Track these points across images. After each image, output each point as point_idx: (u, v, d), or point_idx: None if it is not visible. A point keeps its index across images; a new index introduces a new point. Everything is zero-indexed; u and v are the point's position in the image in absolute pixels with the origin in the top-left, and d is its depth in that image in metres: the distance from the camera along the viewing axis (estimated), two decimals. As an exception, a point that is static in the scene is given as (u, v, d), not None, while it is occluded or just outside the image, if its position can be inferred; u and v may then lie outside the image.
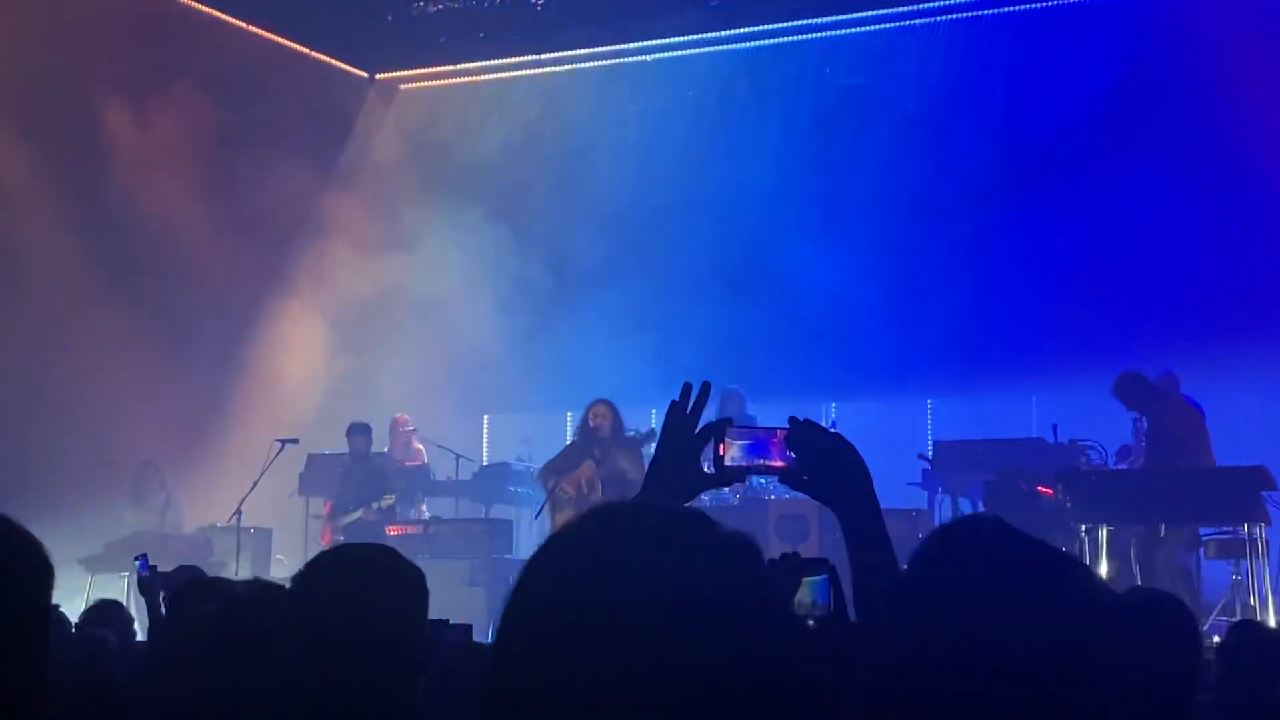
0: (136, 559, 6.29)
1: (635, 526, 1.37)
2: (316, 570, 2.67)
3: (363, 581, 2.62)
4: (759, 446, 2.58)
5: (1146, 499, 9.80)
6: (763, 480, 12.70)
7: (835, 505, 2.41)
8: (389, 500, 13.05)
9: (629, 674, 1.25)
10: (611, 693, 1.25)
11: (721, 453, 2.56)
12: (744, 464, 2.57)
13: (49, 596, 1.78)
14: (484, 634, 7.33)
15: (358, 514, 12.73)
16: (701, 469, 2.56)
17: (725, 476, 2.56)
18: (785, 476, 2.55)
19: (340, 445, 13.40)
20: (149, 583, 5.88)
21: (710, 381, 2.62)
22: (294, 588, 2.66)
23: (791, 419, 2.52)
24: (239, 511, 12.36)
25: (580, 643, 1.27)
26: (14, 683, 1.67)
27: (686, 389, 2.57)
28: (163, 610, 5.38)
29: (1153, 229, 13.82)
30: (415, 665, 2.60)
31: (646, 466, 9.18)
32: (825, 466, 2.45)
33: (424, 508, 14.24)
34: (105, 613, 6.46)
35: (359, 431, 13.15)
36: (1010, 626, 1.65)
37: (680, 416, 2.56)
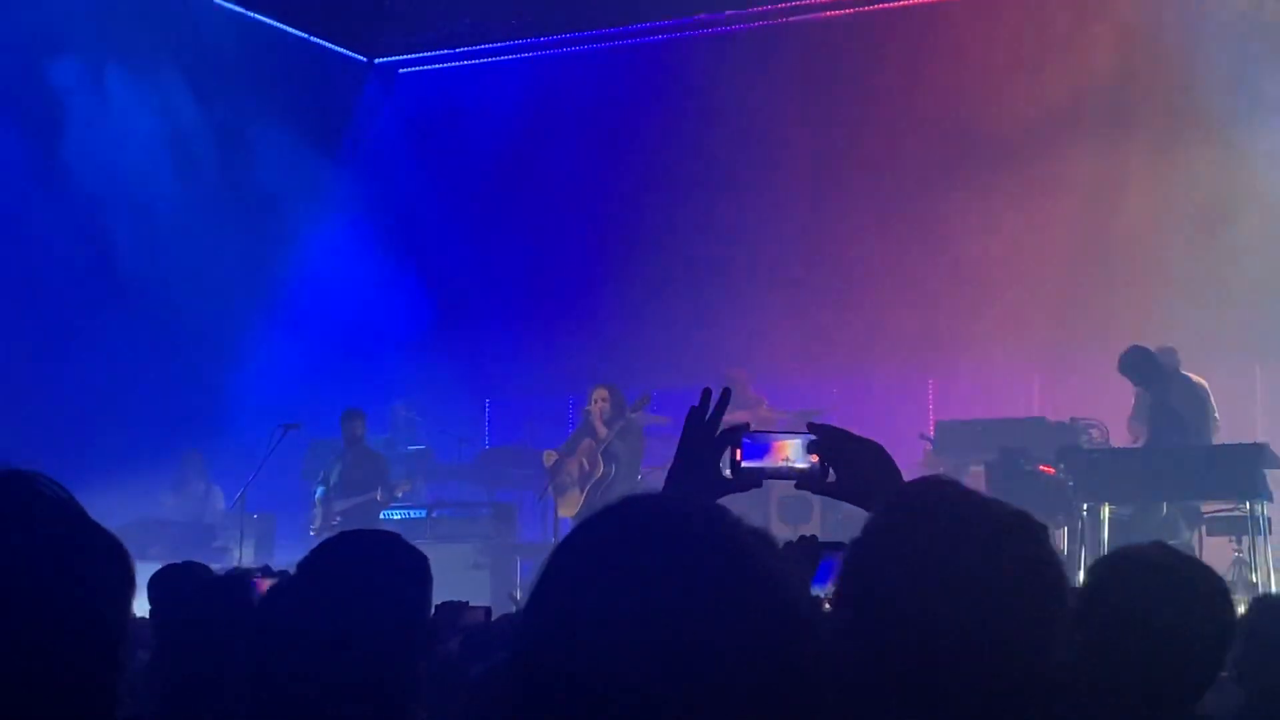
0: None
1: (657, 520, 1.40)
2: (321, 556, 2.69)
3: (366, 567, 2.64)
4: (778, 450, 2.59)
5: (1147, 477, 9.81)
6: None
7: (869, 505, 2.45)
8: (406, 486, 13.11)
9: (647, 666, 1.28)
10: (630, 684, 1.28)
11: (738, 457, 2.57)
12: (762, 467, 2.58)
13: (126, 607, 1.71)
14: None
15: (365, 498, 12.71)
16: (720, 474, 2.57)
17: (743, 481, 2.57)
18: (805, 480, 2.56)
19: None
20: None
21: (730, 389, 2.63)
22: (299, 573, 2.68)
23: (810, 424, 2.54)
24: (242, 497, 12.37)
25: (600, 634, 1.30)
26: (80, 698, 1.61)
27: (706, 395, 2.59)
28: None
29: (1152, 206, 13.82)
30: (417, 650, 2.62)
31: (637, 436, 9.28)
32: (856, 470, 2.48)
33: (425, 492, 14.27)
34: None
35: (352, 417, 13.11)
36: (964, 587, 1.76)
37: (699, 422, 2.58)
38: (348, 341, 15.58)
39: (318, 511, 12.85)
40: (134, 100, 14.20)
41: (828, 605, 2.82)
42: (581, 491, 11.01)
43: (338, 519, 12.44)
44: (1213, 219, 13.49)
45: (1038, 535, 1.86)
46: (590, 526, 1.41)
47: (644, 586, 1.30)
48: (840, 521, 10.86)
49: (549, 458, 11.43)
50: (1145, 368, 10.68)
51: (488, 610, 4.29)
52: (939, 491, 1.93)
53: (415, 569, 2.71)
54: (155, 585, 4.51)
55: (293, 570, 2.82)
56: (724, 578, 1.32)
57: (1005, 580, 1.78)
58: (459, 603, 4.06)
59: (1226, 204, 13.51)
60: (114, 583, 1.69)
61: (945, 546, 1.80)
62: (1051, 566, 1.84)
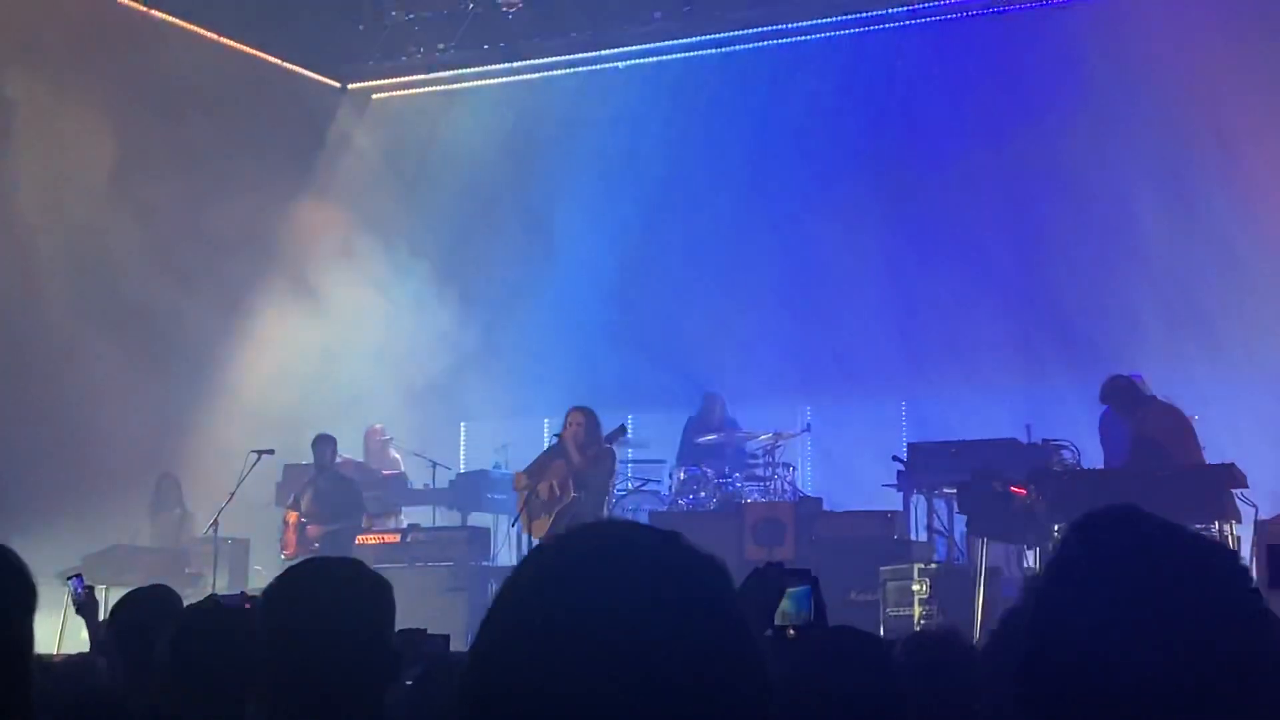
0: (70, 579, 6.25)
1: (609, 546, 1.42)
2: (284, 584, 2.72)
3: (329, 594, 2.66)
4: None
5: (1118, 498, 9.81)
6: (738, 485, 12.76)
7: None
8: (388, 518, 13.22)
9: (597, 689, 1.30)
10: (576, 709, 1.30)
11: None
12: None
13: (30, 621, 1.73)
14: (462, 642, 7.36)
15: (343, 524, 12.70)
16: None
17: None
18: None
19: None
20: (86, 603, 5.91)
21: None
22: (263, 601, 2.71)
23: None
24: (215, 523, 12.35)
25: (550, 657, 1.32)
26: None
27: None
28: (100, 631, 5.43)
29: (1122, 229, 13.92)
30: (381, 676, 2.64)
31: (607, 461, 9.39)
32: None
33: (401, 516, 14.25)
34: None
35: (323, 442, 13.10)
36: (1170, 618, 1.65)
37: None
38: (322, 366, 15.56)
39: (290, 537, 12.84)
40: (96, 124, 14.12)
41: (791, 632, 2.86)
42: (549, 515, 11.02)
43: (315, 545, 12.43)
44: (1180, 239, 13.61)
45: (1242, 568, 1.76)
46: (543, 553, 1.43)
47: (592, 612, 1.33)
48: (812, 544, 10.91)
49: (519, 480, 11.46)
50: (1127, 397, 10.75)
51: (446, 638, 4.30)
52: (1130, 522, 1.83)
53: (377, 594, 2.73)
54: (120, 609, 4.54)
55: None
56: (673, 605, 1.34)
57: (1213, 619, 1.65)
58: (417, 630, 4.08)
59: (1194, 224, 13.62)
60: (14, 598, 1.70)
61: (1141, 583, 1.69)
62: (1260, 602, 1.71)
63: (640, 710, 1.29)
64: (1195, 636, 1.64)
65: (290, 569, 2.81)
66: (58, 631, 10.20)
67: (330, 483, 12.93)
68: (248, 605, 4.67)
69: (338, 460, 13.36)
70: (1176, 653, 1.63)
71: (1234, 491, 9.59)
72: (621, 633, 1.31)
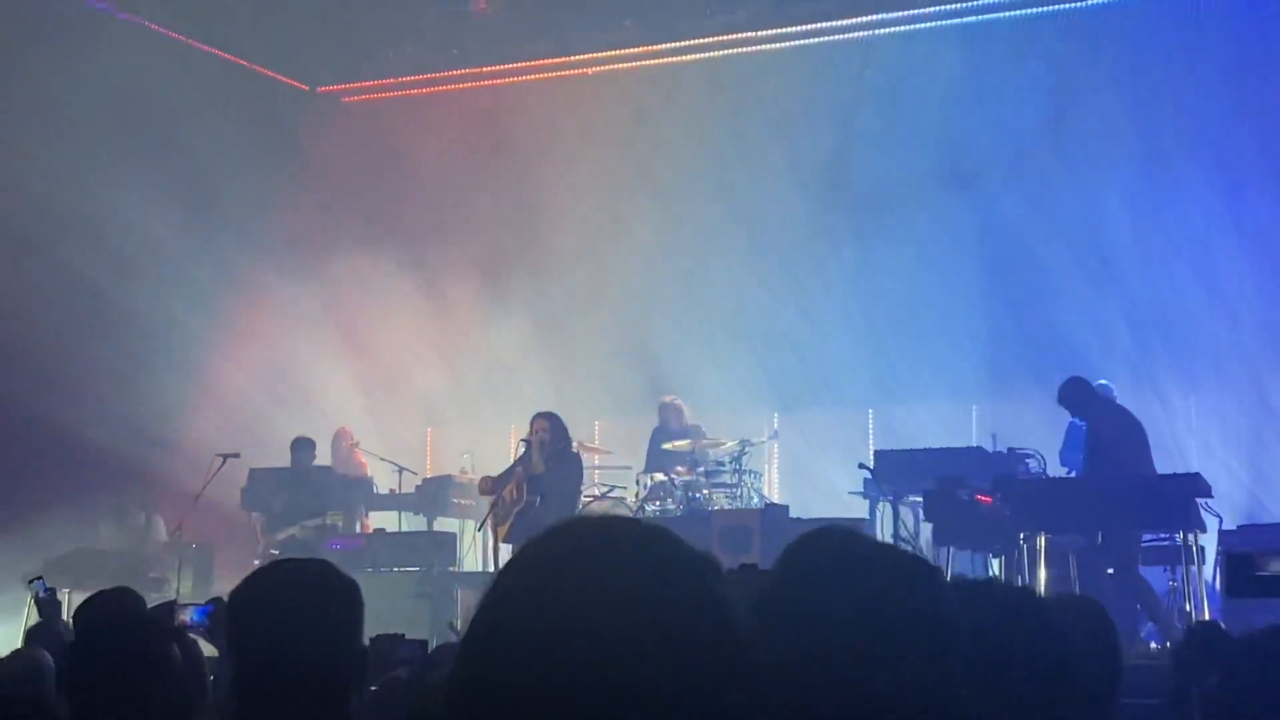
0: (32, 581, 6.27)
1: (603, 541, 1.41)
2: (253, 584, 2.70)
3: (297, 595, 2.65)
4: None
5: (1083, 507, 9.89)
6: (705, 491, 12.77)
7: None
8: (335, 518, 13.05)
9: (589, 684, 1.29)
10: (570, 702, 1.29)
11: None
12: None
13: None
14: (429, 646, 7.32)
15: (294, 529, 12.66)
16: None
17: None
18: None
19: (283, 459, 13.34)
20: (47, 605, 5.91)
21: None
22: (231, 601, 2.69)
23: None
24: (179, 527, 12.27)
25: (542, 651, 1.31)
26: None
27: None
28: (61, 630, 5.44)
29: (1089, 239, 14.01)
30: (349, 677, 2.63)
31: (573, 466, 9.39)
32: None
33: (367, 521, 14.18)
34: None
35: (303, 446, 13.09)
36: (863, 631, 1.82)
37: None
38: (289, 369, 15.50)
39: (262, 540, 12.79)
40: (60, 126, 14.02)
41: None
42: (510, 518, 11.07)
43: (275, 551, 12.37)
44: (1145, 253, 13.69)
45: (932, 577, 1.95)
46: (539, 545, 1.42)
47: (588, 605, 1.32)
48: (779, 551, 10.90)
49: (483, 484, 11.47)
50: (1083, 399, 10.79)
51: (424, 644, 4.28)
52: (833, 542, 2.00)
53: (346, 595, 2.72)
54: (83, 611, 4.52)
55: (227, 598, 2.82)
56: (668, 598, 1.34)
57: (900, 625, 1.85)
58: (395, 635, 4.06)
59: (1160, 237, 13.71)
60: None
61: (842, 596, 1.88)
62: (946, 608, 1.90)
63: (635, 706, 1.29)
64: (879, 651, 1.82)
65: (258, 570, 2.80)
66: (20, 634, 10.11)
67: (305, 486, 12.92)
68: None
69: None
70: (861, 662, 1.81)
71: (1199, 501, 9.62)
72: (615, 628, 1.31)
